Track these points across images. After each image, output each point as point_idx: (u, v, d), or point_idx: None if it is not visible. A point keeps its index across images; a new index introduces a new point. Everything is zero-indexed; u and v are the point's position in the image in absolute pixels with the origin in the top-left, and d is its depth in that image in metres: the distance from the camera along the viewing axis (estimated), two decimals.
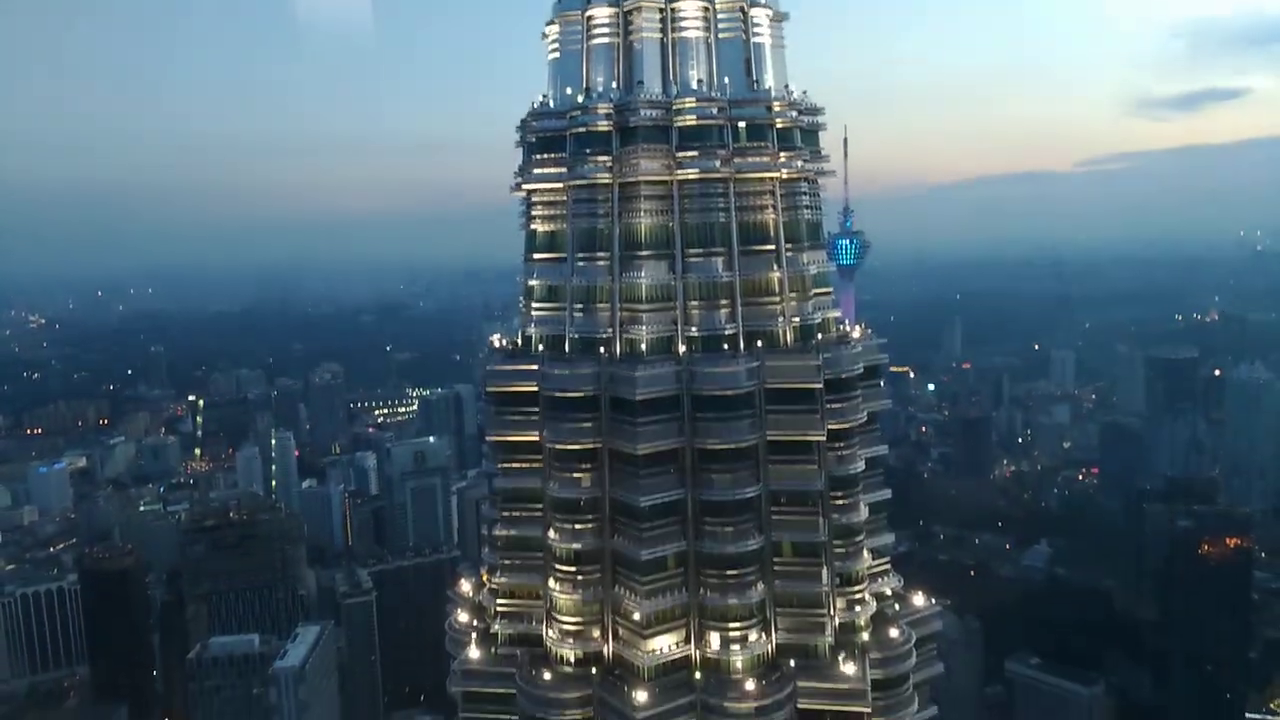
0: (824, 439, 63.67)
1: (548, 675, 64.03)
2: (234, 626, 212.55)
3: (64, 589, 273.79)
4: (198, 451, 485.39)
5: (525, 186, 70.20)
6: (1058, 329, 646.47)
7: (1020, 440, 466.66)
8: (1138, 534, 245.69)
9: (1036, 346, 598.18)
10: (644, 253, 65.27)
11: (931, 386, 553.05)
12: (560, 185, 68.31)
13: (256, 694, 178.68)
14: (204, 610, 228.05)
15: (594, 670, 63.63)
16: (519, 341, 70.22)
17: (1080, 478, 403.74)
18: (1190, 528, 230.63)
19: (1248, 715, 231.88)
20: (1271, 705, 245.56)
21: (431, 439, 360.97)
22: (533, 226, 69.93)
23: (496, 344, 71.21)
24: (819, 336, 67.64)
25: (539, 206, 69.64)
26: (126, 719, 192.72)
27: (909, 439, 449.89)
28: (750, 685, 61.04)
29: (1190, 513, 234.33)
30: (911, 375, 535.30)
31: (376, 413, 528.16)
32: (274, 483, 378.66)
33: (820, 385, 63.17)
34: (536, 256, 69.88)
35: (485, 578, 70.88)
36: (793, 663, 62.92)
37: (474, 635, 68.55)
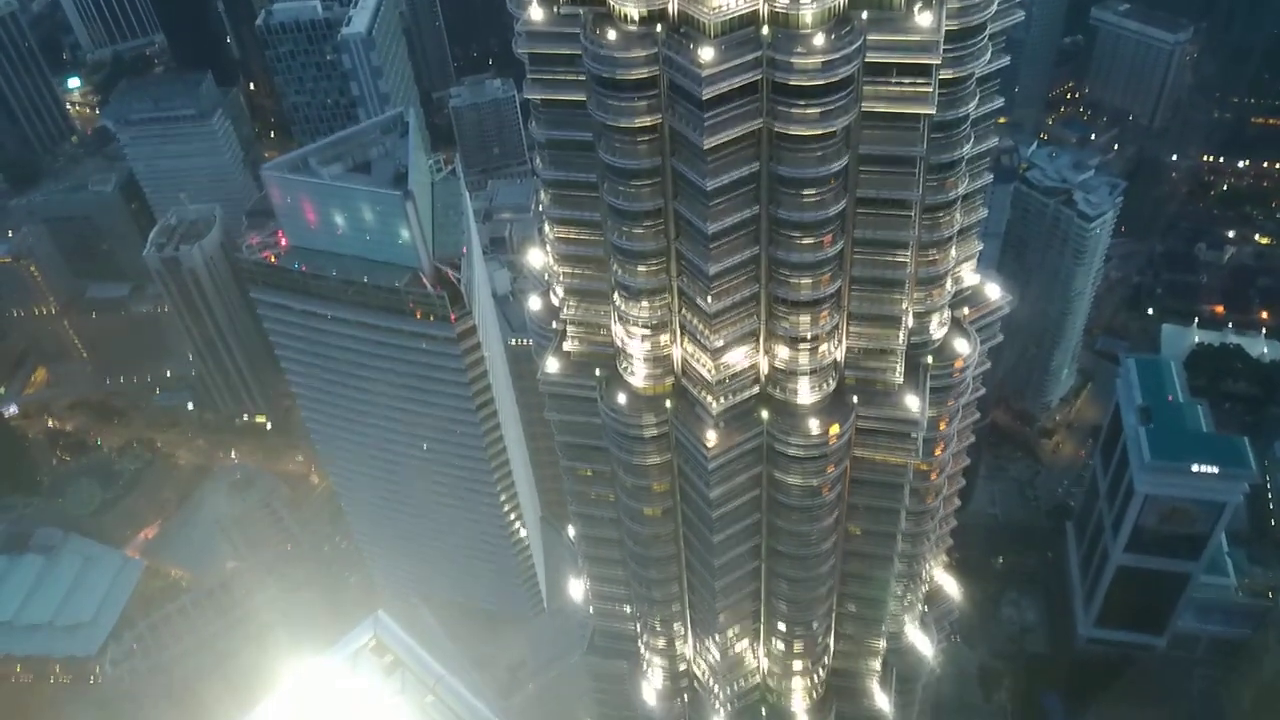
0: None
1: (613, 34, 62.41)
2: None
3: None
4: None
5: None
6: None
7: None
8: None
9: None
10: None
11: None
12: None
13: (330, 60, 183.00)
14: None
15: (659, 28, 61.63)
16: None
17: None
18: None
19: None
20: None
21: None
22: None
23: None
24: None
25: None
26: (213, 84, 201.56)
27: None
28: (819, 40, 59.02)
29: None
30: None
31: None
32: None
33: None
34: None
35: None
36: (865, 15, 59.90)
37: None
